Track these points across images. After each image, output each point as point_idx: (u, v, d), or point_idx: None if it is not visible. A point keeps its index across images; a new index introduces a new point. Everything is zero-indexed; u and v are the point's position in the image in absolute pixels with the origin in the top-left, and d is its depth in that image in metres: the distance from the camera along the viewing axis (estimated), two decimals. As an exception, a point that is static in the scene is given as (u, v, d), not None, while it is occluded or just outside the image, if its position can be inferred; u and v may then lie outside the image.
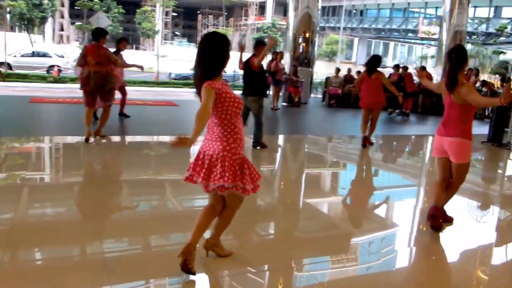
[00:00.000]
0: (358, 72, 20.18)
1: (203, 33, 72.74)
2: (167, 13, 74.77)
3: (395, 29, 62.52)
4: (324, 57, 57.63)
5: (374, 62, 10.27)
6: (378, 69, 10.17)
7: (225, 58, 3.76)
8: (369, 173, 9.52)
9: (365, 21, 66.44)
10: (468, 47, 41.68)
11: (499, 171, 10.93)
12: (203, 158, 3.79)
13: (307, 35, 20.12)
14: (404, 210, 6.93)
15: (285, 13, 37.29)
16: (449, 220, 5.82)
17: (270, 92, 17.19)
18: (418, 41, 65.55)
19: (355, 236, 5.63)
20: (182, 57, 48.83)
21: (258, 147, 9.39)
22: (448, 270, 4.95)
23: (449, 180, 5.65)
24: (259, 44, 9.07)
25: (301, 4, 20.07)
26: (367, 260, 4.92)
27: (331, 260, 4.86)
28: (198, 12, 79.78)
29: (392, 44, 76.21)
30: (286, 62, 19.43)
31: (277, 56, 17.29)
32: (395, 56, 76.14)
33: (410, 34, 61.92)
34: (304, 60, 20.11)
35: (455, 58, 5.31)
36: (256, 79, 9.03)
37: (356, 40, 72.91)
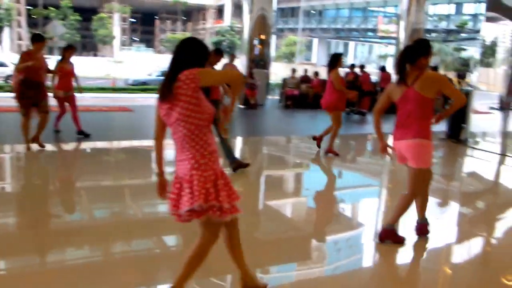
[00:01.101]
0: (315, 73, 20.06)
1: (160, 38, 72.46)
2: (124, 19, 73.90)
3: (354, 28, 62.98)
4: (283, 59, 57.57)
5: (330, 60, 9.74)
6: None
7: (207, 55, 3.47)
8: (328, 174, 9.41)
9: (324, 21, 66.74)
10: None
11: (458, 167, 10.96)
12: (176, 183, 3.37)
13: (263, 37, 19.87)
14: (365, 210, 6.94)
15: (242, 15, 37.11)
16: (401, 241, 5.19)
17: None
18: (378, 40, 66.06)
19: (317, 238, 5.65)
20: (140, 62, 48.27)
21: (238, 170, 7.94)
22: (413, 268, 4.98)
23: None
24: (216, 53, 7.87)
25: (256, 6, 19.84)
26: (330, 261, 4.97)
27: (292, 262, 4.82)
28: (156, 17, 79.19)
29: (352, 43, 76.60)
30: (242, 64, 19.22)
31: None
32: (356, 56, 76.47)
33: (369, 33, 62.40)
34: (260, 62, 19.85)
35: (410, 47, 4.87)
36: None
37: (315, 41, 73.08)
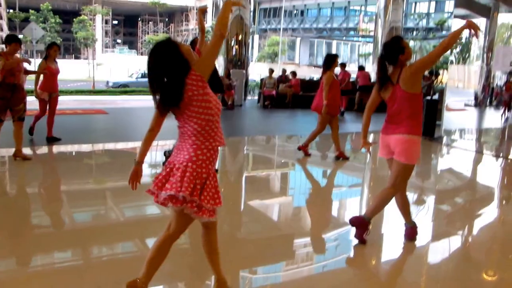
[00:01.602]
0: (293, 73, 20.03)
1: (143, 40, 72.19)
2: (107, 21, 73.66)
3: (336, 28, 63.09)
4: (267, 59, 57.66)
5: (325, 61, 9.45)
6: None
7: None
8: (312, 173, 9.37)
9: (306, 21, 66.83)
10: (411, 43, 42.26)
11: (433, 164, 10.94)
12: (168, 167, 3.34)
13: (240, 37, 19.84)
14: (350, 208, 6.99)
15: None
16: (362, 241, 5.12)
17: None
18: (360, 39, 66.27)
19: (302, 237, 5.62)
20: (122, 64, 48.16)
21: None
22: (395, 266, 4.98)
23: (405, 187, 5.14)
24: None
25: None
26: (316, 261, 5.01)
27: (278, 262, 4.80)
28: (139, 19, 79.03)
29: (334, 43, 76.80)
30: (220, 65, 19.19)
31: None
32: (339, 55, 76.59)
33: (351, 32, 62.57)
34: (237, 63, 19.81)
35: (387, 51, 4.84)
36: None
37: (298, 40, 73.16)
